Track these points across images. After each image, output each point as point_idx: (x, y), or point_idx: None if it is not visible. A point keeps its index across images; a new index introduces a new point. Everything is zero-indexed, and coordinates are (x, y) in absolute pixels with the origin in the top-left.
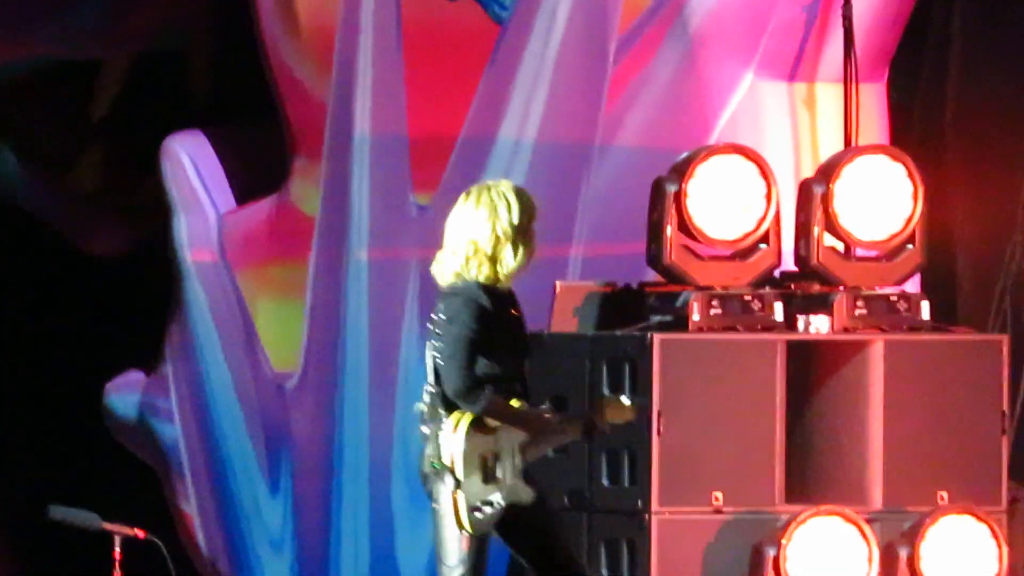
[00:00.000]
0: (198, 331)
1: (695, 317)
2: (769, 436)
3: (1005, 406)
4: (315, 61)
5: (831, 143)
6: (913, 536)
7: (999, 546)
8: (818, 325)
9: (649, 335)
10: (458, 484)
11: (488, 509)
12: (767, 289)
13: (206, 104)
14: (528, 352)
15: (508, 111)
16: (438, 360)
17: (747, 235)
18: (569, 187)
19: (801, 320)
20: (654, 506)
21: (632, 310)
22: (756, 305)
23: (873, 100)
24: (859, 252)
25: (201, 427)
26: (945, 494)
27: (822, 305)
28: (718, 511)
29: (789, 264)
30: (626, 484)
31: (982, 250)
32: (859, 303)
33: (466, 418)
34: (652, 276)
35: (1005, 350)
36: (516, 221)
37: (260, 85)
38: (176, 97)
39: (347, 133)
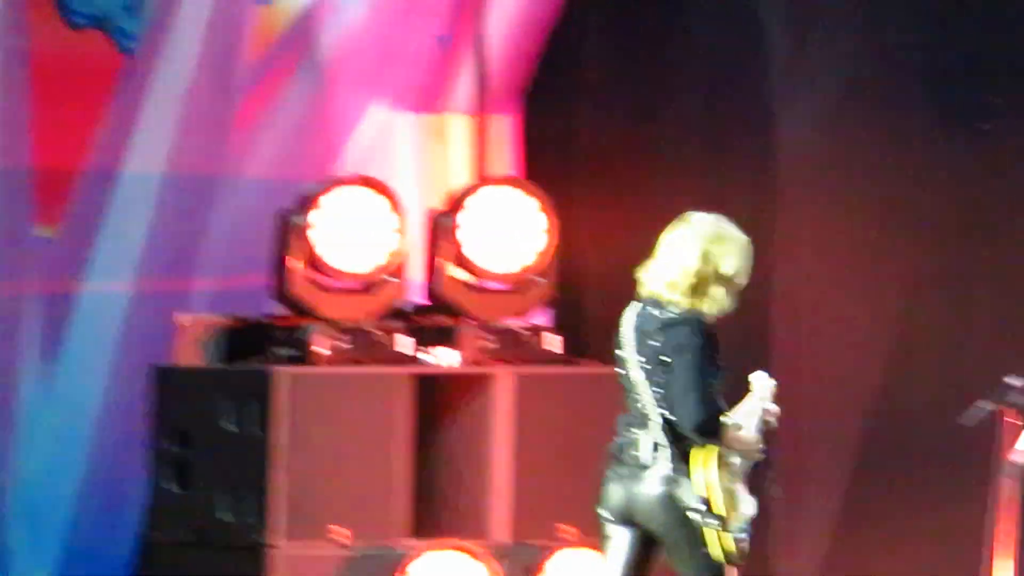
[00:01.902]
0: None
1: (320, 350)
2: (396, 470)
3: None
4: None
5: (461, 175)
6: (535, 570)
7: None
8: (446, 358)
9: (273, 369)
10: (723, 522)
11: (746, 535)
12: (394, 322)
13: None
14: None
15: (134, 143)
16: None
17: (374, 267)
18: (195, 220)
19: (429, 353)
20: (276, 541)
21: (257, 344)
22: (383, 338)
23: (505, 132)
24: (489, 285)
25: None
26: (570, 528)
27: (450, 338)
28: (343, 546)
29: (419, 297)
30: (249, 519)
31: (612, 283)
32: (487, 336)
33: (710, 452)
34: (282, 309)
35: None
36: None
37: None
38: None
39: None
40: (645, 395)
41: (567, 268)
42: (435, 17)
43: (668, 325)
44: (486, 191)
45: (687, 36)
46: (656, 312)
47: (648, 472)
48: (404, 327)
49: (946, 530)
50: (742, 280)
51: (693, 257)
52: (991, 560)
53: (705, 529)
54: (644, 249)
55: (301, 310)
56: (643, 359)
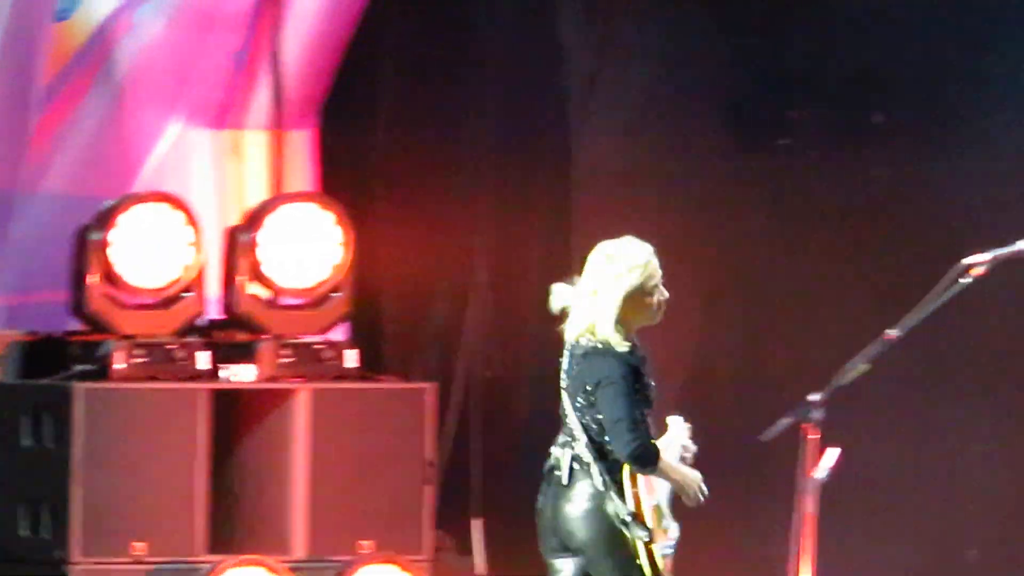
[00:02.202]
0: None
1: (117, 366)
2: (194, 486)
3: (430, 455)
4: None
5: (259, 190)
6: None
7: None
8: (243, 374)
9: (70, 384)
10: (650, 535)
11: (671, 551)
12: (192, 338)
13: None
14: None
15: None
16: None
17: (172, 283)
18: None
19: (226, 369)
20: (73, 557)
21: (55, 359)
22: (180, 354)
23: (302, 147)
24: (287, 300)
25: None
26: (370, 543)
27: (247, 354)
28: (139, 561)
29: (217, 313)
30: (47, 535)
31: (409, 298)
32: (284, 351)
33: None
34: (81, 325)
35: (430, 399)
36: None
37: None
38: None
39: None
40: (571, 415)
41: (364, 283)
42: (232, 33)
43: (590, 354)
44: (283, 207)
45: (484, 53)
46: (581, 341)
47: (571, 491)
48: (202, 343)
49: (750, 546)
50: (660, 292)
51: (608, 284)
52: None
53: (635, 542)
54: (441, 263)
55: (99, 326)
56: (569, 381)
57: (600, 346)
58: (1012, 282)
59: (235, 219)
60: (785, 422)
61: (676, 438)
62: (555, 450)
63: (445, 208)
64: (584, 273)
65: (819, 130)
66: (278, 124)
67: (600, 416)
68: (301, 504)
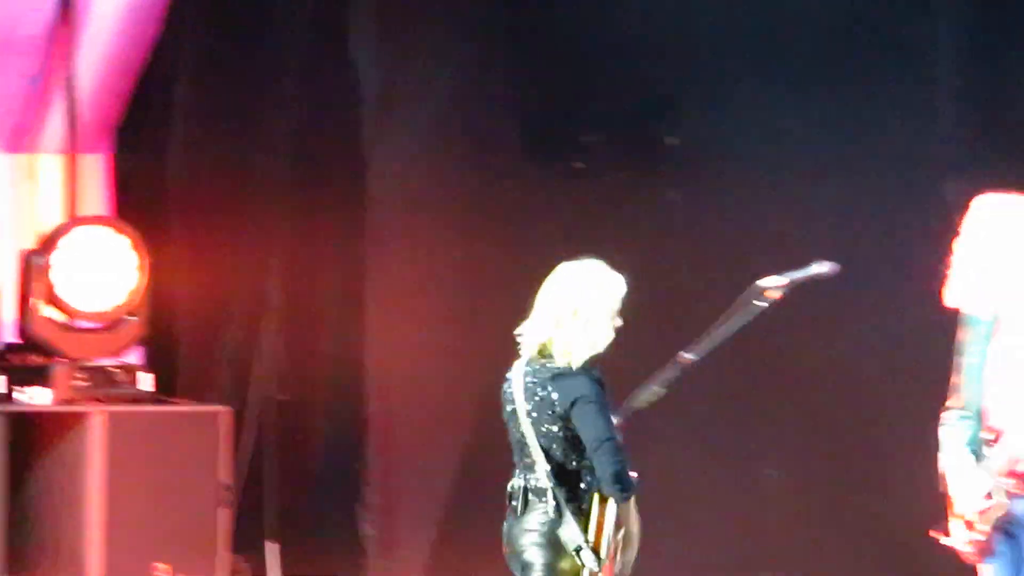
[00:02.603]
0: None
1: None
2: None
3: (225, 478)
4: None
5: (54, 214)
6: None
7: None
8: (38, 397)
9: None
10: (600, 562)
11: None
12: None
13: None
14: None
15: None
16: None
17: None
18: None
19: (22, 392)
20: None
21: None
22: None
23: (97, 171)
24: (82, 324)
25: None
26: (166, 566)
27: (42, 377)
28: None
29: (12, 336)
30: None
31: (204, 322)
32: (79, 374)
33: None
34: None
35: (224, 422)
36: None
37: None
38: None
39: None
40: (532, 444)
41: (159, 306)
42: (26, 57)
43: (559, 376)
44: (78, 230)
45: (278, 77)
46: (544, 364)
47: (525, 518)
48: None
49: None
50: (616, 316)
51: (567, 306)
52: None
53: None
54: (235, 287)
55: None
56: (530, 409)
57: (571, 367)
58: (806, 305)
59: (30, 243)
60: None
61: None
62: (513, 480)
63: (239, 232)
64: (557, 296)
65: (613, 153)
66: (72, 148)
67: (574, 435)
68: (96, 526)
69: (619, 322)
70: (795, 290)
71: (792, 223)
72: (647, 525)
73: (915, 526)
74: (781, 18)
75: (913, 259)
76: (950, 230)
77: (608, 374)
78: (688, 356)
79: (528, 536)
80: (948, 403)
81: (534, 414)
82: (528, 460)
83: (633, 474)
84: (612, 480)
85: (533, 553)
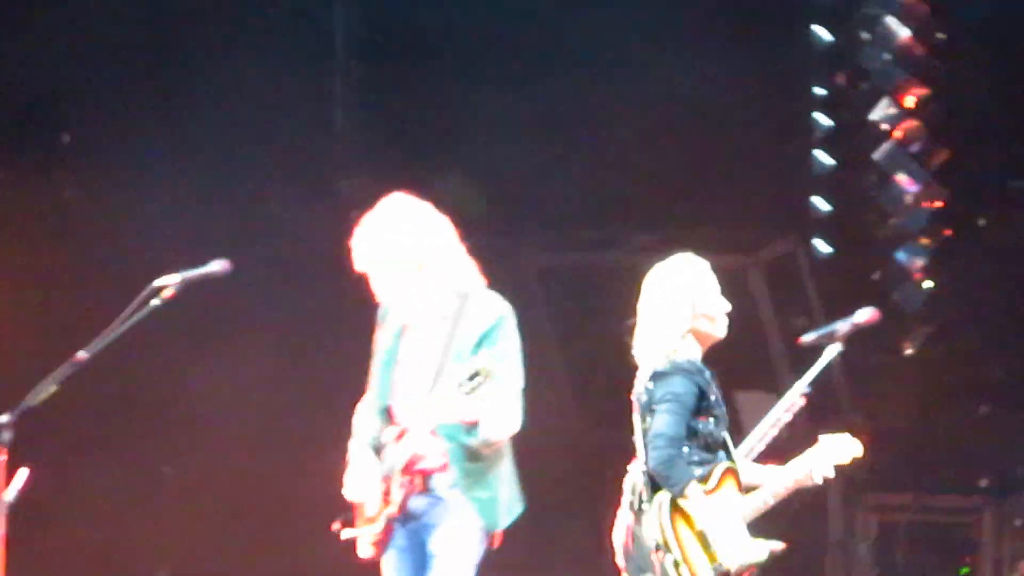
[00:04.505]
0: None
1: None
2: None
3: None
4: None
5: None
6: None
7: None
8: None
9: None
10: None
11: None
12: None
13: None
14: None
15: None
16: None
17: None
18: None
19: None
20: None
21: None
22: None
23: None
24: None
25: None
26: None
27: None
28: None
29: None
30: None
31: None
32: None
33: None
34: None
35: None
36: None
37: None
38: None
39: None
40: (639, 439)
41: None
42: None
43: (657, 376)
44: None
45: None
46: (651, 367)
47: (641, 514)
48: None
49: None
50: (719, 304)
51: (665, 306)
52: None
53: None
54: None
55: None
56: (639, 405)
57: (668, 366)
58: (201, 304)
59: None
60: None
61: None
62: (629, 476)
63: None
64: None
65: (8, 149)
66: None
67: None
68: None
69: (718, 307)
70: (190, 288)
71: (192, 220)
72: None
73: (319, 520)
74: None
75: (311, 256)
76: (348, 227)
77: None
78: (83, 354)
79: (640, 530)
80: (366, 395)
81: (640, 413)
82: (641, 459)
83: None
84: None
85: (638, 546)
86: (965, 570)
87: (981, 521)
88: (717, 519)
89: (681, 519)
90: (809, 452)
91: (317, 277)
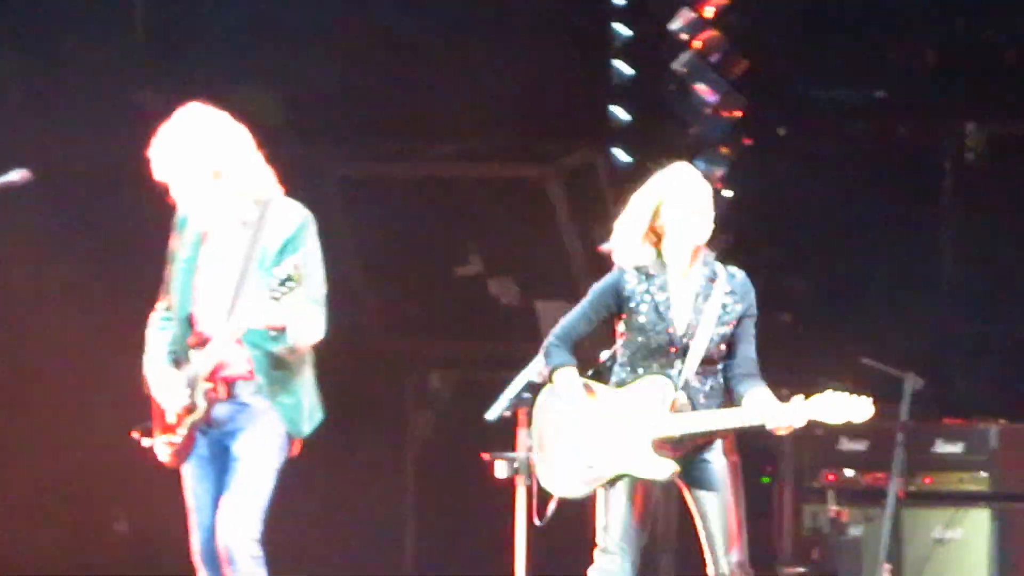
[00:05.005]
0: None
1: None
2: None
3: None
4: None
5: None
6: None
7: None
8: None
9: None
10: None
11: None
12: None
13: None
14: None
15: None
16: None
17: None
18: None
19: None
20: None
21: None
22: None
23: None
24: None
25: None
26: None
27: None
28: None
29: None
30: None
31: None
32: None
33: None
34: None
35: None
36: None
37: None
38: None
39: None
40: None
41: None
42: None
43: None
44: None
45: None
46: None
47: None
48: None
49: None
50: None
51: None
52: None
53: None
54: None
55: None
56: None
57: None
58: None
59: None
60: None
61: None
62: None
63: None
64: None
65: None
66: None
67: None
68: None
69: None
70: None
71: None
72: None
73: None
74: None
75: (111, 165)
76: (147, 137)
77: None
78: None
79: None
80: (158, 305)
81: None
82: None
83: None
84: None
85: None
86: (766, 479)
87: None
88: None
89: None
90: (814, 399)
91: (119, 185)
